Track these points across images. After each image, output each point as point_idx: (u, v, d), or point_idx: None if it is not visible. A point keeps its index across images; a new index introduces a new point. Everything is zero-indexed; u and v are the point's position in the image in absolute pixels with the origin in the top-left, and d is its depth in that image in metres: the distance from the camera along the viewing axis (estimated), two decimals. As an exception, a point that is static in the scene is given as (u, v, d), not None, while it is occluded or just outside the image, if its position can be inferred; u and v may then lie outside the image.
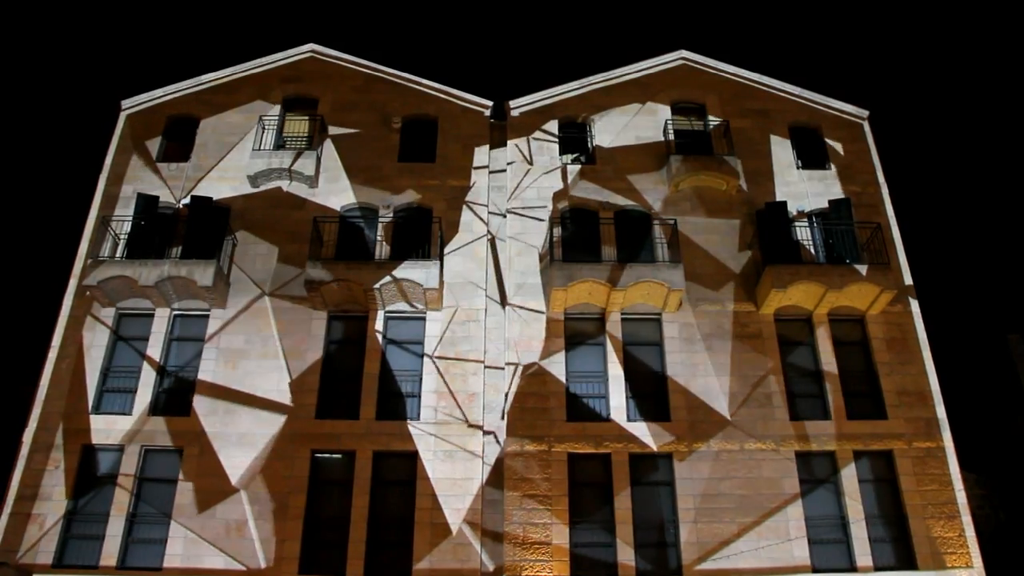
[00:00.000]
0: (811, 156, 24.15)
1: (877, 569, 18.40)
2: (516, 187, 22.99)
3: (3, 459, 20.05)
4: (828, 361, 20.72)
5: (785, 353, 20.90)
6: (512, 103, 24.38)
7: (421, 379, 20.31)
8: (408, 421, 19.75)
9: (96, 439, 19.41)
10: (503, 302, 21.31)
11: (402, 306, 21.04)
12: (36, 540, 18.27)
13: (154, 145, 23.70)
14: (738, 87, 25.19)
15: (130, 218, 21.79)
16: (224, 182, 22.87)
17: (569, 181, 23.17)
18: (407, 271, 20.27)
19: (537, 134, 23.97)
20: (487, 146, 23.76)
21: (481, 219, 22.49)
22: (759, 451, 19.54)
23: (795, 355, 21.01)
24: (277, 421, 19.61)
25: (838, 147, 24.19)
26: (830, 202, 22.71)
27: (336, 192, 22.84)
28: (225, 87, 24.82)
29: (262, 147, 23.26)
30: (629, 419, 19.90)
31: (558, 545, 18.42)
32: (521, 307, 21.15)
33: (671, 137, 23.82)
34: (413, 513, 18.75)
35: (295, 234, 21.99)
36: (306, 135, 23.99)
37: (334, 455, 19.56)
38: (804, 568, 18.25)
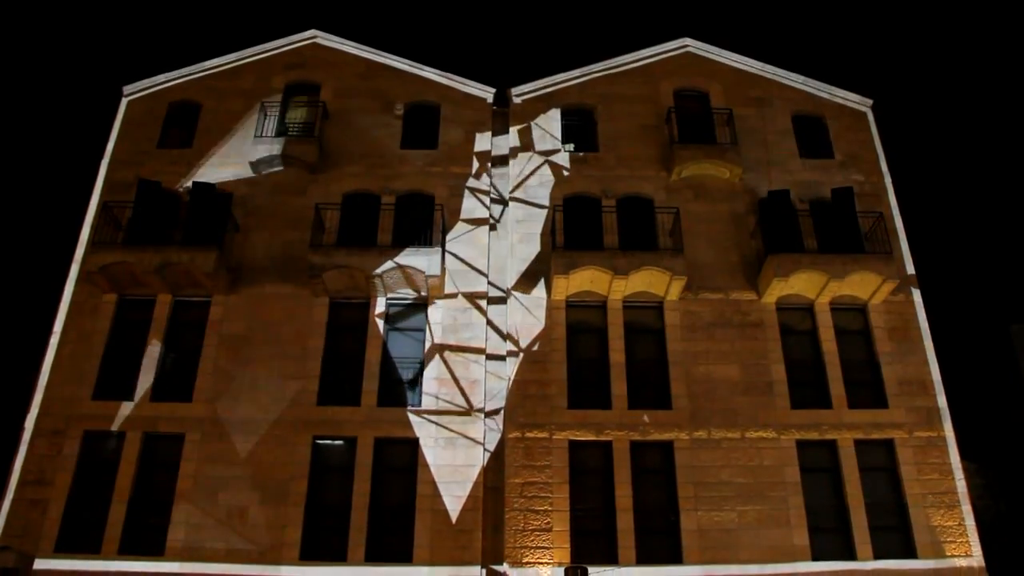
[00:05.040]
0: (814, 145, 24.07)
1: (877, 558, 18.40)
2: (518, 174, 22.95)
3: (5, 445, 20.08)
4: (830, 350, 20.71)
5: (787, 342, 20.89)
6: (514, 90, 24.31)
7: (422, 366, 20.31)
8: (409, 408, 19.78)
9: (98, 425, 19.43)
10: (505, 289, 21.29)
11: (404, 293, 21.04)
12: (38, 525, 18.33)
13: (156, 131, 23.65)
14: (741, 75, 25.10)
15: (132, 204, 21.76)
16: (226, 168, 22.84)
17: (571, 169, 23.12)
18: (409, 258, 20.26)
19: (539, 121, 23.91)
20: (489, 133, 23.72)
21: (483, 206, 22.46)
22: (760, 439, 19.55)
23: (797, 344, 21.00)
24: (278, 407, 19.63)
25: (841, 136, 24.11)
26: (833, 191, 22.64)
27: (338, 179, 22.80)
28: (227, 73, 24.75)
29: (264, 133, 23.22)
30: (630, 407, 19.90)
31: (559, 532, 18.45)
32: (523, 294, 21.14)
33: (674, 125, 23.73)
34: (414, 500, 18.79)
35: (297, 220, 21.97)
36: (308, 121, 23.89)
37: (335, 441, 19.59)
38: (804, 556, 18.29)
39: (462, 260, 21.61)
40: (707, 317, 20.99)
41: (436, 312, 20.91)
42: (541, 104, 24.22)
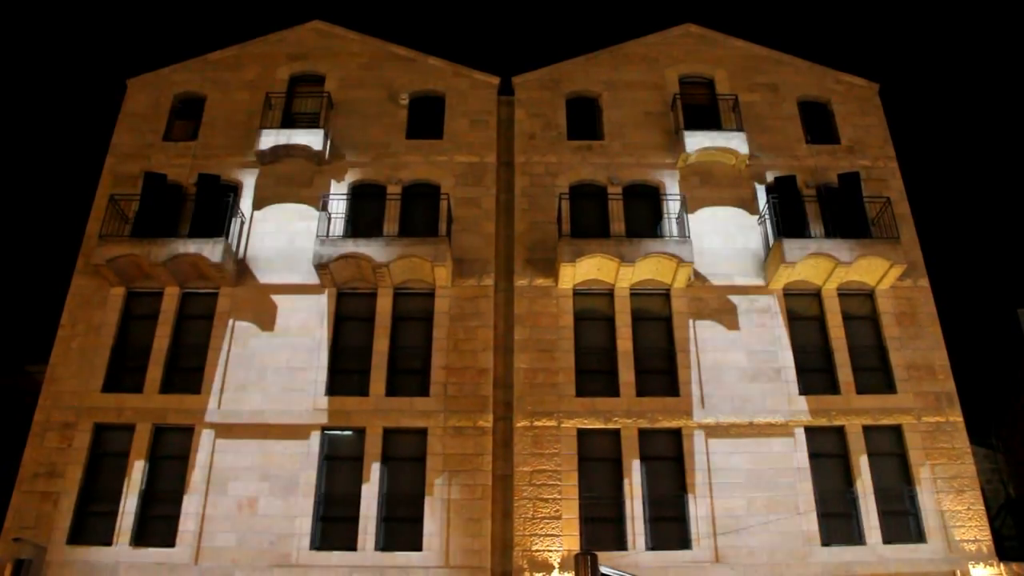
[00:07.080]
0: (820, 130, 23.98)
1: (886, 543, 18.42)
2: (524, 163, 22.91)
3: (16, 438, 20.19)
4: (837, 336, 20.68)
5: (794, 328, 20.86)
6: (518, 78, 24.25)
7: (430, 355, 20.33)
8: (418, 397, 19.81)
9: (107, 417, 19.51)
10: (512, 278, 21.29)
11: (411, 282, 21.04)
12: (51, 517, 18.42)
13: (161, 124, 23.64)
14: (747, 61, 25.00)
15: (138, 197, 21.77)
16: (232, 159, 22.85)
17: (577, 156, 23.07)
18: (415, 247, 20.26)
19: (545, 109, 23.85)
20: (495, 121, 23.67)
21: (490, 194, 22.43)
22: (768, 426, 19.55)
23: (804, 330, 20.97)
24: (287, 398, 19.67)
25: (848, 121, 24.00)
26: (839, 176, 22.56)
27: (344, 169, 22.79)
28: (231, 65, 24.72)
29: (269, 124, 23.19)
30: (638, 394, 19.91)
31: (568, 520, 18.50)
32: (530, 283, 21.13)
33: (679, 112, 23.67)
34: (423, 489, 18.83)
35: (303, 211, 21.98)
36: (314, 112, 23.84)
37: (344, 432, 19.63)
38: (813, 542, 18.31)
39: (469, 249, 21.60)
40: (714, 304, 20.97)
41: (443, 301, 20.91)
42: (546, 91, 24.17)
